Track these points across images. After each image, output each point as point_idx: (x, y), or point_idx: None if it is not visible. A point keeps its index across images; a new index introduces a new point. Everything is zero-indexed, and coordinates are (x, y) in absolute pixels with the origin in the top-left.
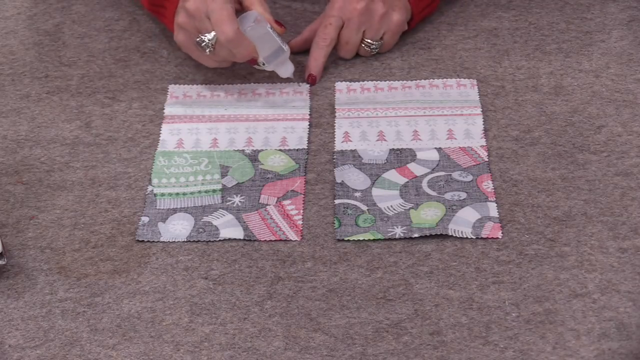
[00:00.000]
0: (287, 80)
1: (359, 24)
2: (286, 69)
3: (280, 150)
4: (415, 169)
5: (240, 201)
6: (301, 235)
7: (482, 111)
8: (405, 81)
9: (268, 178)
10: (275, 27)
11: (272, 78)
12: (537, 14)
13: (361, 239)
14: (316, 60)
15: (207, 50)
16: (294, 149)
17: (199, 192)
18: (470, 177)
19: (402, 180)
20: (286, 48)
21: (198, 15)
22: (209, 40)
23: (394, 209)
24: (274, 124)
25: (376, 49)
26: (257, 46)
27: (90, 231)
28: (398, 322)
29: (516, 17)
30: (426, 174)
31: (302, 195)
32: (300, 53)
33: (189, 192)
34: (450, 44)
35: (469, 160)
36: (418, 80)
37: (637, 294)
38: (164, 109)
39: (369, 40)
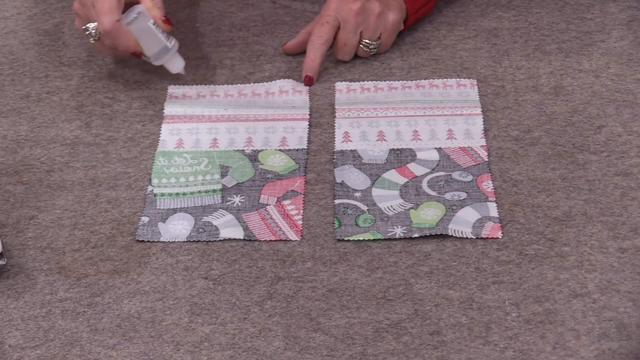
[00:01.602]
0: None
1: (356, 24)
2: (175, 65)
3: (280, 150)
4: (415, 169)
5: (240, 201)
6: (301, 235)
7: (482, 111)
8: (405, 81)
9: (268, 178)
10: (160, 24)
11: (272, 78)
12: (537, 14)
13: (361, 239)
14: (312, 60)
15: (92, 39)
16: (294, 149)
17: (199, 192)
18: (470, 177)
19: (402, 180)
20: (171, 44)
21: (87, 3)
22: (92, 29)
23: (394, 209)
24: (274, 124)
25: (375, 49)
26: (140, 41)
27: (90, 231)
28: (398, 322)
29: (516, 17)
30: (426, 174)
31: (302, 195)
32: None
33: (189, 192)
34: (450, 44)
35: (469, 160)
36: (418, 80)
37: (637, 294)
38: (164, 109)
39: (366, 41)
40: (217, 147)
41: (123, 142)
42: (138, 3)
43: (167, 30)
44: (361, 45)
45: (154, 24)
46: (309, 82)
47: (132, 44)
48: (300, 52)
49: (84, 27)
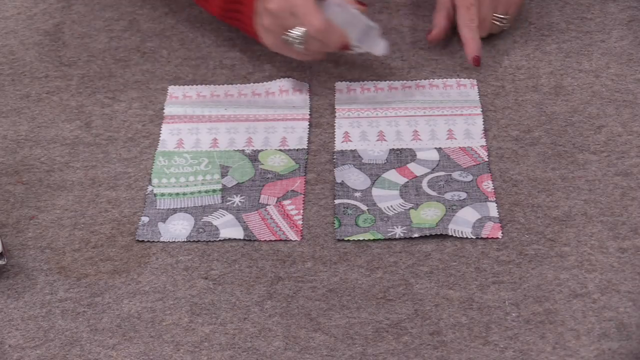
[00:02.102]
0: (290, 81)
1: (492, 0)
2: (380, 47)
3: (280, 150)
4: (415, 169)
5: (240, 201)
6: (301, 235)
7: (482, 111)
8: (405, 81)
9: (268, 178)
10: (358, 7)
11: (272, 78)
12: (537, 14)
13: (361, 239)
14: (475, 40)
15: (299, 46)
16: (294, 149)
17: (199, 192)
18: (470, 177)
19: (402, 180)
20: (374, 25)
21: (282, 13)
22: (297, 35)
23: (394, 209)
24: (274, 124)
25: (507, 23)
26: (348, 30)
27: (90, 231)
28: (398, 322)
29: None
30: (426, 174)
31: (302, 195)
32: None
33: (189, 192)
34: (450, 44)
35: (469, 160)
36: (418, 80)
37: (637, 294)
38: (164, 109)
39: (500, 16)
40: (217, 147)
41: (123, 142)
42: None
43: (365, 11)
44: (495, 21)
45: (356, 9)
46: (477, 62)
47: (343, 36)
48: (444, 39)
49: (283, 36)
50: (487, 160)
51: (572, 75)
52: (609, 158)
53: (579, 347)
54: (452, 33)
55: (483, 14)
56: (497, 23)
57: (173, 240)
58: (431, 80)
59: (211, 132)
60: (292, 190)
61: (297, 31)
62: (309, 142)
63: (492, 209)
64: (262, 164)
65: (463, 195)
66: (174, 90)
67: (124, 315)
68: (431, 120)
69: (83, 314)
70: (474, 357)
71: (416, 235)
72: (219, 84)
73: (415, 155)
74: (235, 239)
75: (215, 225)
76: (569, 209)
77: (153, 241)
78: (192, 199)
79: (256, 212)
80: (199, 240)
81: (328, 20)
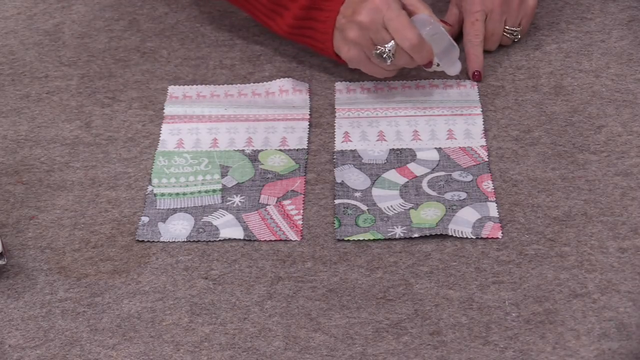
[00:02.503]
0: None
1: (501, 13)
2: (455, 67)
3: (280, 150)
4: (415, 169)
5: (240, 201)
6: (301, 235)
7: (482, 111)
8: (405, 81)
9: (268, 178)
10: (444, 25)
11: (272, 78)
12: (537, 14)
13: (361, 239)
14: (477, 56)
15: (389, 61)
16: (294, 149)
17: (199, 192)
18: (470, 177)
19: (402, 180)
20: (456, 45)
21: (373, 26)
22: (389, 50)
23: (394, 209)
24: (274, 124)
25: (518, 35)
26: (435, 46)
27: (90, 231)
28: (398, 322)
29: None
30: (426, 174)
31: (302, 195)
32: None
33: (189, 192)
34: None
35: (469, 160)
36: (418, 80)
37: (637, 294)
38: (164, 109)
39: (511, 28)
40: (217, 147)
41: (123, 142)
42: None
43: (450, 30)
44: (505, 34)
45: (443, 27)
46: (479, 77)
47: (431, 53)
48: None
49: (377, 51)
50: (487, 160)
51: (572, 75)
52: (609, 158)
53: (579, 347)
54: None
55: (492, 29)
56: (508, 36)
57: (173, 240)
58: (431, 80)
59: (211, 132)
60: (292, 190)
61: (388, 45)
62: (309, 142)
63: (492, 209)
64: (262, 164)
65: (463, 195)
66: (174, 90)
67: (124, 315)
68: (431, 120)
69: (83, 314)
70: (474, 357)
71: (416, 235)
72: (219, 84)
73: (415, 155)
74: (235, 239)
75: (215, 225)
76: (569, 209)
77: (153, 241)
78: (192, 199)
79: (256, 212)
80: (199, 240)
81: (421, 36)
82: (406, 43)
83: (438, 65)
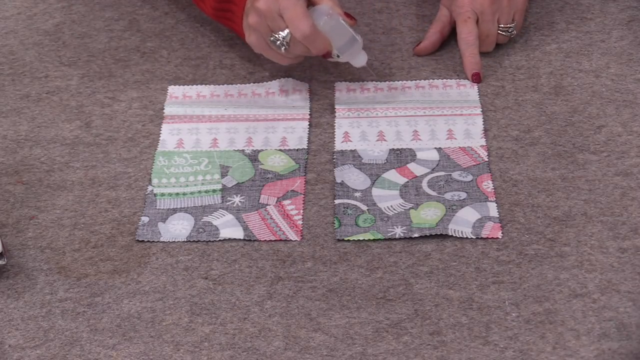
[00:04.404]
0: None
1: (493, 13)
2: (360, 59)
3: (280, 150)
4: (415, 169)
5: (240, 201)
6: (301, 235)
7: (482, 111)
8: (405, 81)
9: (268, 178)
10: (346, 19)
11: (272, 78)
12: (537, 14)
13: (361, 239)
14: (474, 56)
15: (283, 49)
16: (294, 149)
17: (199, 192)
18: (470, 177)
19: (402, 180)
20: (359, 38)
21: (270, 14)
22: (283, 38)
23: (394, 209)
24: (274, 124)
25: (514, 30)
26: (331, 39)
27: (90, 231)
28: (398, 322)
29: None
30: (426, 174)
31: (302, 195)
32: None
33: (189, 192)
34: (450, 44)
35: (469, 160)
36: (418, 81)
37: (637, 294)
38: (164, 109)
39: (505, 26)
40: (217, 147)
41: (123, 142)
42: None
43: (353, 24)
44: (500, 32)
45: (343, 20)
46: (478, 78)
47: (327, 44)
48: (431, 52)
49: (271, 38)
50: (487, 160)
51: (572, 75)
52: (609, 158)
53: (579, 347)
54: (452, 34)
55: (487, 30)
56: (504, 34)
57: (173, 240)
58: (431, 80)
59: (211, 132)
60: (292, 190)
61: (282, 33)
62: (309, 142)
63: (492, 209)
64: (262, 164)
65: (463, 195)
66: (174, 90)
67: (124, 315)
68: (431, 120)
69: (83, 314)
70: (474, 357)
71: (416, 235)
72: (219, 84)
73: (415, 155)
74: (235, 239)
75: (215, 225)
76: (569, 209)
77: (153, 241)
78: (192, 199)
79: (256, 212)
80: (199, 240)
81: (315, 27)
82: (298, 33)
83: (338, 56)
